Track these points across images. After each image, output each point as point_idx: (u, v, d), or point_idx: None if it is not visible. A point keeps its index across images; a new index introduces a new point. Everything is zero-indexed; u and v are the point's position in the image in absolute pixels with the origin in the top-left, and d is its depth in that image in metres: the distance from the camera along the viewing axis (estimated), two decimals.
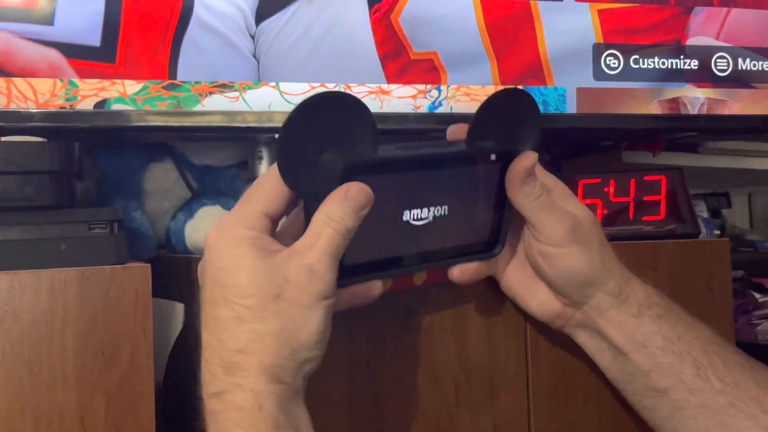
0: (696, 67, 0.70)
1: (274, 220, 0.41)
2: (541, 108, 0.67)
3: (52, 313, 0.43)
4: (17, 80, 0.57)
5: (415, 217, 0.43)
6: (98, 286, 0.44)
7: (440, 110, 0.65)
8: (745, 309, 0.85)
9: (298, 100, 0.62)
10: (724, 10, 0.71)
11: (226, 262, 0.38)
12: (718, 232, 0.99)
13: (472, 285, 0.54)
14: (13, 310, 0.43)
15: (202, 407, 0.38)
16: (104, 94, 0.59)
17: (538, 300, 0.50)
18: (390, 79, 0.64)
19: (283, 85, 0.63)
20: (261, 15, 0.62)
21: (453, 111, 0.65)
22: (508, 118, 0.46)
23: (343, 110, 0.39)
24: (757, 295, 0.89)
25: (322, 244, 0.38)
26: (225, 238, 0.39)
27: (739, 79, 0.70)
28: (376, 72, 0.64)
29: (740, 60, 0.71)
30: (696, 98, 0.70)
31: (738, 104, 0.71)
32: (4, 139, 0.49)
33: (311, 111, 0.38)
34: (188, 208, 0.72)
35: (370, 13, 0.63)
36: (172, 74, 0.60)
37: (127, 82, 0.60)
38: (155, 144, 0.72)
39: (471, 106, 0.65)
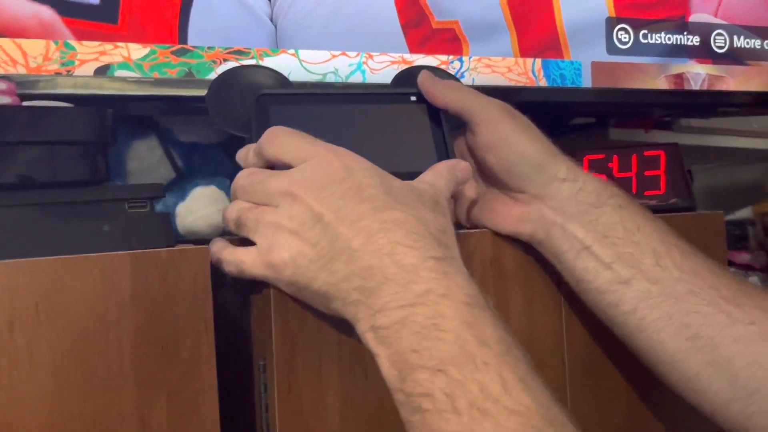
0: (698, 44, 0.71)
1: None
2: (558, 81, 0.67)
3: (105, 305, 0.37)
4: (3, 41, 0.49)
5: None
6: (155, 272, 0.39)
7: (462, 82, 0.62)
8: None
9: (318, 69, 0.59)
10: None
11: (383, 174, 0.42)
12: None
13: (513, 259, 0.53)
14: (61, 302, 0.37)
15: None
16: (106, 59, 0.52)
17: (506, 215, 0.51)
18: (412, 49, 0.61)
19: (302, 53, 0.58)
20: None
21: (475, 83, 0.63)
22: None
23: (256, 72, 0.50)
24: None
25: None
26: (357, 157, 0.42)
27: (735, 56, 0.73)
28: (398, 40, 0.60)
29: (735, 37, 0.73)
30: (698, 74, 0.71)
31: (734, 80, 0.73)
32: (26, 103, 0.42)
33: (232, 75, 0.49)
34: (179, 188, 0.65)
35: None
36: (182, 38, 0.54)
37: (132, 45, 0.53)
38: (139, 118, 0.66)
39: (492, 78, 0.63)
